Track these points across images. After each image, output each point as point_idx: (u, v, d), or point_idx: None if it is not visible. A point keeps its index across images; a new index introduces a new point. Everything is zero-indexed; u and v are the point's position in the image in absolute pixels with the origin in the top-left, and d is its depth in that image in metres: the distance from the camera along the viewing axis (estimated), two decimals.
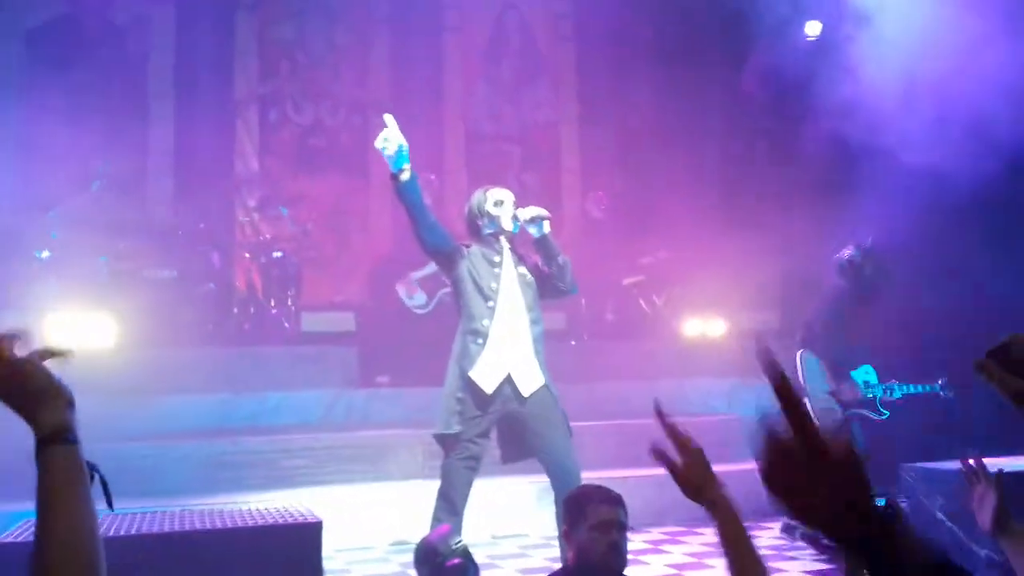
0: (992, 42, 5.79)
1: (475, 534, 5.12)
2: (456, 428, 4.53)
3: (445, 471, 4.57)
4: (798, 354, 6.14)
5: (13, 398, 1.43)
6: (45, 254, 7.68)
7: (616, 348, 8.90)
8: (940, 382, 6.12)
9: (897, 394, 6.10)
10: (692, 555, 5.64)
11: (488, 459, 4.75)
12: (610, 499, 2.95)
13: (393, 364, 7.97)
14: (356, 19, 10.76)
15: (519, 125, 11.39)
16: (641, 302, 9.45)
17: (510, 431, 4.67)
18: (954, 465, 4.78)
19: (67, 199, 8.51)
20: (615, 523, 2.90)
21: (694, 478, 1.83)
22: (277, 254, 8.47)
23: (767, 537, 6.03)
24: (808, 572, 5.26)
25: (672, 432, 1.87)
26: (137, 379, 7.00)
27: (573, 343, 8.77)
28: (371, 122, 10.60)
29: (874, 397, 6.11)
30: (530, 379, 4.59)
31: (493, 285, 4.64)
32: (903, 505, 4.72)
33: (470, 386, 4.54)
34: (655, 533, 6.23)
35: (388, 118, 4.38)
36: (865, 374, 6.15)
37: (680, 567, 5.39)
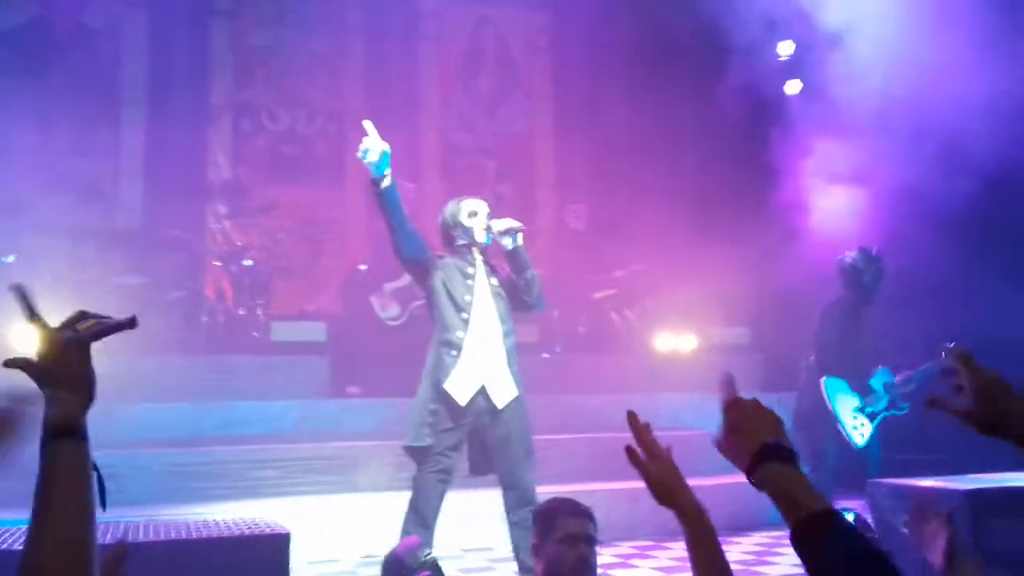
0: (964, 61, 5.86)
1: (444, 547, 5.09)
2: (427, 440, 4.51)
3: (416, 483, 4.55)
4: (822, 382, 6.17)
5: (52, 376, 1.40)
6: (11, 259, 7.58)
7: (588, 361, 8.92)
8: (944, 352, 6.13)
9: (913, 385, 6.13)
10: (662, 569, 5.64)
11: (457, 471, 4.73)
12: (579, 512, 2.94)
13: (364, 375, 7.93)
14: (332, 27, 10.74)
15: (495, 137, 11.41)
16: (613, 316, 9.48)
17: (480, 443, 4.67)
18: (922, 482, 4.82)
19: (36, 204, 8.41)
20: (584, 536, 2.88)
21: (662, 482, 1.83)
22: (248, 262, 8.41)
23: (737, 552, 6.05)
24: None
25: (641, 436, 1.89)
26: (104, 387, 6.78)
27: (545, 356, 8.77)
28: (346, 131, 10.57)
29: (894, 396, 6.15)
30: (504, 391, 4.59)
31: (467, 297, 4.64)
32: (869, 521, 4.74)
33: (444, 398, 4.52)
34: (625, 547, 6.23)
35: (368, 125, 4.37)
36: (883, 377, 6.20)
37: None
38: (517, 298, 4.76)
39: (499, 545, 6.23)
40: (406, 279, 6.98)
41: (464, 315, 4.61)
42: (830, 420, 6.10)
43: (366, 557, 5.80)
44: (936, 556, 2.20)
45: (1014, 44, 5.85)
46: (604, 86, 11.24)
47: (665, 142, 10.47)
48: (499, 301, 4.71)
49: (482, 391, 4.56)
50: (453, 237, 4.79)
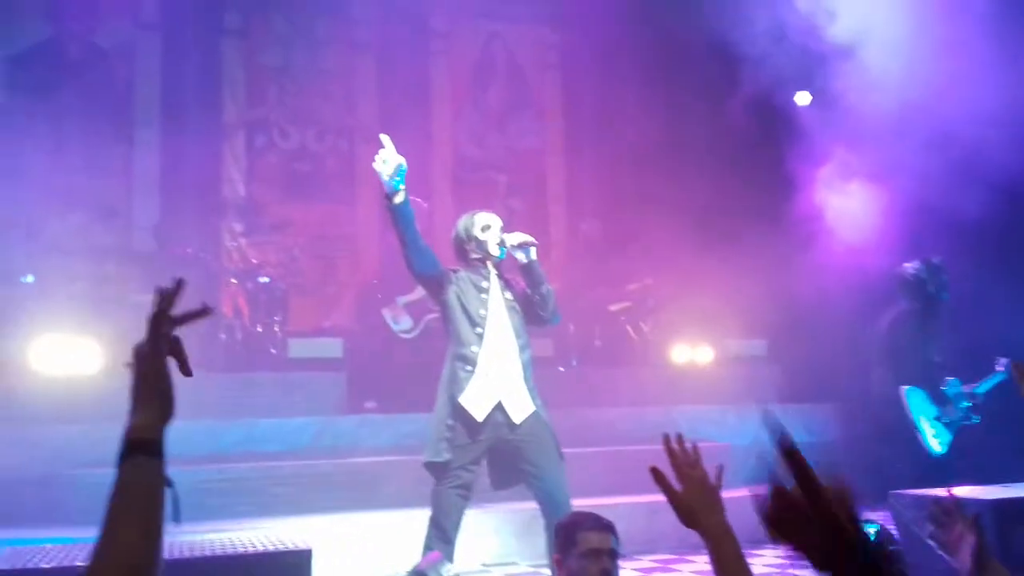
0: (979, 68, 5.84)
1: (465, 562, 5.09)
2: (446, 456, 4.49)
3: (436, 499, 4.54)
4: (902, 391, 6.18)
5: (148, 381, 1.37)
6: (30, 278, 7.63)
7: (604, 374, 8.89)
8: (1003, 365, 6.13)
9: (980, 397, 6.15)
10: None
11: (478, 486, 4.72)
12: (601, 526, 2.94)
13: (381, 390, 7.94)
14: (342, 45, 10.80)
15: (506, 152, 11.43)
16: (628, 328, 9.46)
17: (501, 458, 4.64)
18: (944, 493, 4.78)
19: (52, 224, 8.48)
20: (607, 550, 2.88)
21: (689, 505, 1.83)
22: (264, 279, 8.43)
23: (759, 565, 6.01)
24: None
25: (674, 460, 1.89)
26: (123, 405, 6.85)
27: (561, 369, 8.75)
28: (358, 148, 10.62)
29: (966, 407, 6.16)
30: (521, 405, 4.57)
31: (481, 312, 4.62)
32: (893, 533, 4.71)
33: (460, 413, 4.51)
34: (646, 561, 6.20)
35: (385, 139, 4.39)
36: (955, 387, 6.20)
37: None
38: (532, 312, 4.75)
39: (520, 559, 6.22)
40: (419, 292, 6.99)
41: (479, 329, 4.60)
42: (907, 429, 6.13)
43: (386, 573, 5.79)
44: (964, 559, 2.17)
45: None
46: (614, 100, 11.26)
47: (677, 155, 10.46)
48: (514, 315, 4.70)
49: (499, 406, 4.54)
50: (467, 251, 4.78)
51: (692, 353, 9.23)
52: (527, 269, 4.66)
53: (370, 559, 5.97)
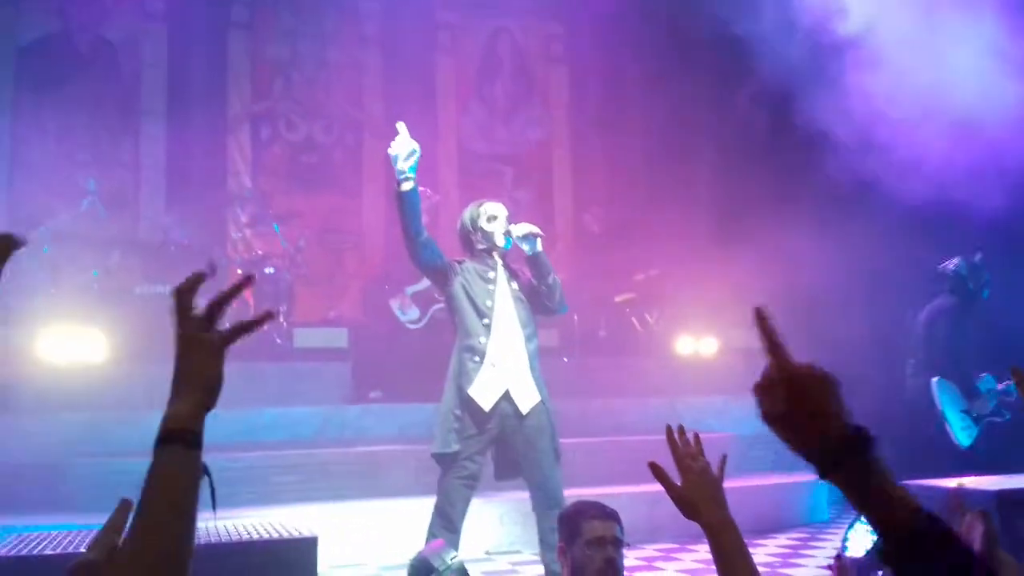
0: (999, 65, 5.82)
1: (468, 550, 5.11)
2: (455, 447, 4.50)
3: (443, 488, 4.55)
4: (933, 382, 6.23)
5: (181, 373, 1.32)
6: (45, 250, 7.65)
7: (608, 365, 8.91)
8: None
9: (1013, 394, 6.19)
10: (686, 571, 5.63)
11: (482, 476, 4.74)
12: (606, 514, 2.95)
13: (386, 380, 7.96)
14: (349, 38, 10.82)
15: (512, 144, 11.44)
16: (633, 319, 9.47)
17: (505, 448, 4.65)
18: (948, 484, 4.80)
19: (58, 215, 8.51)
20: (611, 539, 2.89)
21: (689, 499, 1.84)
22: (269, 270, 8.46)
23: (762, 554, 6.03)
24: None
25: (675, 452, 1.90)
26: (129, 394, 6.98)
27: (566, 360, 8.77)
28: (364, 140, 10.65)
29: (998, 403, 6.21)
30: (528, 395, 4.58)
31: (488, 302, 4.62)
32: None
33: (468, 404, 4.52)
34: (649, 550, 6.22)
35: (400, 126, 4.41)
36: (988, 383, 6.24)
37: None
38: (539, 302, 4.74)
39: (524, 548, 6.24)
40: (427, 282, 7.01)
41: (486, 320, 4.60)
42: (935, 419, 6.17)
43: (389, 560, 5.82)
44: (974, 547, 2.18)
45: None
46: (620, 93, 11.26)
47: (683, 147, 10.47)
48: (520, 305, 4.69)
49: (506, 396, 4.55)
50: (473, 242, 4.77)
51: (696, 344, 9.24)
52: (533, 260, 4.65)
53: (375, 547, 6.00)
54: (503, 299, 4.66)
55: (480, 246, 4.74)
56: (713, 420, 8.23)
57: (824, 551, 6.18)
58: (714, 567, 1.79)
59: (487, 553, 6.21)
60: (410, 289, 7.90)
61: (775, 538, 6.64)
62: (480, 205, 4.82)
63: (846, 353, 7.51)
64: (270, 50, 10.58)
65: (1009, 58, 5.83)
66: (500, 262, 4.74)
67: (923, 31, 6.04)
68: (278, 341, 8.18)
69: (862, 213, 7.20)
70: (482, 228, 4.73)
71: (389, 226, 9.73)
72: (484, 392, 4.52)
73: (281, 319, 8.33)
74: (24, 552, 3.10)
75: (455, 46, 11.29)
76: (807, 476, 7.61)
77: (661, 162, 10.41)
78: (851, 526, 3.69)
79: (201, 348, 1.33)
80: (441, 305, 6.33)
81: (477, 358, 4.56)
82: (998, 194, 6.14)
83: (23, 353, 7.11)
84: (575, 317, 8.84)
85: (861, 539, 3.45)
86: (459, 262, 4.75)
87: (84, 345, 7.25)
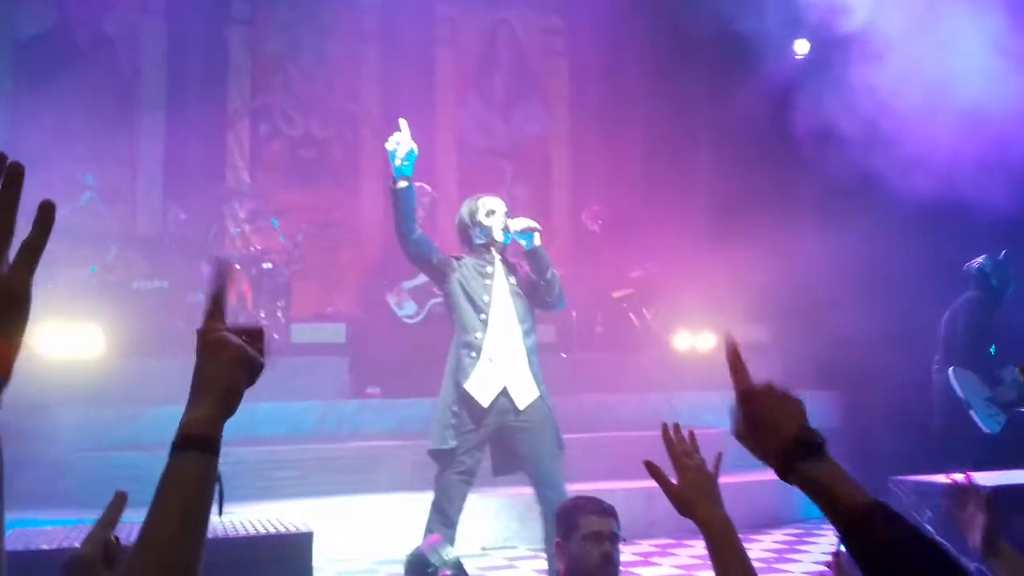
0: (1004, 59, 5.81)
1: (465, 546, 5.12)
2: (452, 443, 4.50)
3: (440, 484, 4.55)
4: (950, 372, 6.27)
5: (208, 378, 1.29)
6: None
7: (606, 361, 8.91)
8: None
9: None
10: (681, 567, 5.65)
11: (480, 471, 4.74)
12: (603, 510, 2.95)
13: (383, 375, 7.96)
14: (348, 33, 10.79)
15: (510, 140, 11.43)
16: (631, 315, 9.47)
17: (503, 444, 4.65)
18: (944, 479, 4.80)
19: (57, 210, 8.48)
20: (608, 534, 2.90)
21: (685, 496, 1.85)
22: (267, 265, 8.45)
23: (757, 549, 6.04)
24: None
25: (671, 449, 1.91)
26: (126, 389, 6.98)
27: (563, 355, 8.77)
28: (362, 135, 10.64)
29: (1020, 392, 6.23)
30: (525, 391, 4.57)
31: (485, 298, 4.62)
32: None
33: (466, 399, 4.52)
34: (645, 545, 6.24)
35: (403, 123, 4.42)
36: (1011, 374, 6.26)
37: None
38: (537, 297, 4.73)
39: (520, 543, 6.26)
40: (423, 278, 7.01)
41: (483, 316, 4.60)
42: (959, 411, 6.20)
43: (385, 555, 5.83)
44: (974, 538, 2.19)
45: None
46: (620, 87, 11.24)
47: (682, 142, 10.46)
48: (518, 300, 4.69)
49: (504, 392, 4.54)
50: (471, 236, 4.76)
51: (694, 339, 9.24)
52: (531, 255, 4.64)
53: (371, 542, 6.01)
54: (500, 294, 4.66)
55: (478, 241, 4.74)
56: (710, 416, 8.22)
57: (820, 547, 6.19)
58: (710, 563, 1.79)
59: (483, 548, 6.22)
60: (407, 284, 7.90)
61: (771, 534, 6.66)
62: (478, 200, 4.81)
63: (848, 347, 7.54)
64: (269, 45, 10.56)
65: (1015, 52, 5.82)
66: (498, 257, 4.73)
67: (926, 24, 6.04)
68: (276, 336, 8.18)
69: (863, 208, 7.20)
70: (480, 223, 4.73)
71: (387, 221, 9.69)
72: (481, 388, 4.52)
73: (279, 314, 8.33)
74: (22, 548, 3.11)
75: (454, 40, 11.27)
76: None
77: (660, 158, 10.40)
78: None
79: (227, 355, 1.31)
80: (439, 300, 6.33)
81: (474, 354, 4.55)
82: (1003, 189, 6.15)
83: (20, 347, 7.10)
84: (572, 313, 8.84)
85: None
86: (457, 258, 4.75)
87: (82, 340, 7.24)
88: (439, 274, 4.70)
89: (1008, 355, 6.39)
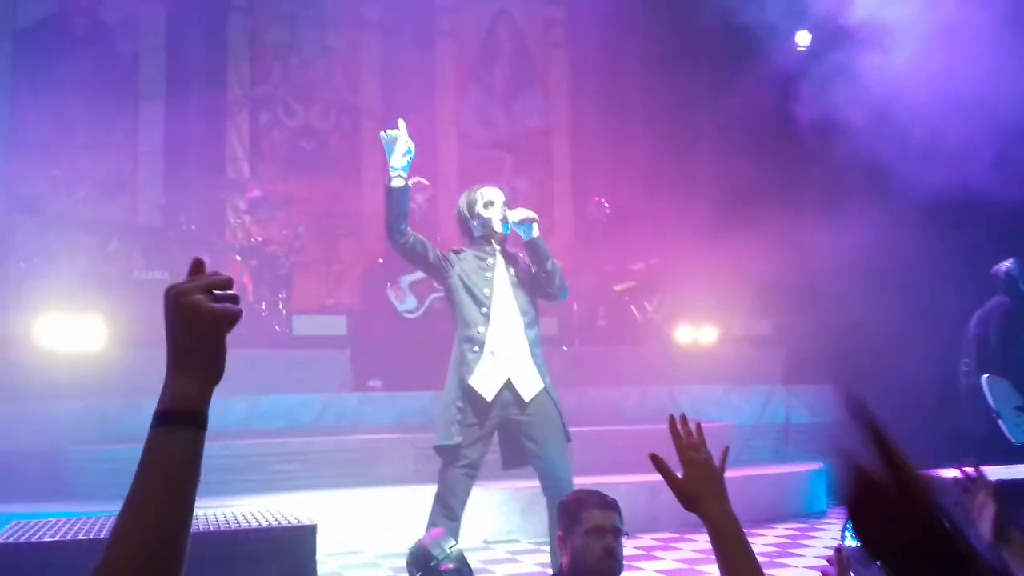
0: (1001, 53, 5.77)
1: (467, 539, 5.10)
2: (457, 439, 4.47)
3: (444, 478, 4.53)
4: (983, 379, 6.27)
5: (187, 348, 1.20)
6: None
7: (608, 354, 8.90)
8: None
9: None
10: (685, 561, 5.63)
11: (486, 464, 4.72)
12: (606, 504, 2.94)
13: (385, 368, 7.95)
14: (348, 23, 10.76)
15: (511, 131, 11.40)
16: (632, 308, 9.46)
17: (510, 436, 4.62)
18: (950, 473, 4.79)
19: (56, 200, 8.48)
20: (611, 528, 2.88)
21: (691, 491, 1.83)
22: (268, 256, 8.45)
23: (761, 543, 6.04)
24: None
25: (678, 442, 1.89)
26: (127, 381, 6.96)
27: (565, 348, 8.76)
28: (363, 126, 10.61)
29: None
30: (530, 383, 4.55)
31: (486, 290, 4.59)
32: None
33: (470, 394, 4.49)
34: (647, 539, 6.23)
35: (401, 123, 4.40)
36: None
37: (672, 573, 5.38)
38: (538, 288, 4.69)
39: (522, 537, 6.25)
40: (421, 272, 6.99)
41: (484, 309, 4.57)
42: (987, 417, 6.20)
43: (388, 548, 5.83)
44: (984, 528, 2.18)
45: None
46: (621, 79, 11.21)
47: (684, 134, 10.43)
48: (519, 292, 4.65)
49: (508, 385, 4.52)
50: (471, 228, 4.73)
51: (696, 333, 9.23)
52: (531, 246, 4.60)
53: (373, 535, 6.01)
54: (501, 286, 4.62)
55: (478, 232, 4.70)
56: (712, 409, 8.24)
57: (822, 541, 6.18)
58: (713, 557, 1.78)
59: (485, 542, 6.21)
60: (405, 279, 7.88)
61: (774, 528, 6.65)
62: (476, 190, 4.76)
63: (852, 340, 7.52)
64: (269, 34, 10.53)
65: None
66: (498, 248, 4.69)
67: (934, 10, 5.99)
68: (277, 329, 8.17)
69: (868, 200, 7.17)
70: (479, 214, 4.68)
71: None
72: (485, 382, 4.49)
73: (280, 306, 8.31)
74: (25, 539, 3.09)
75: (455, 31, 11.24)
76: (806, 466, 7.62)
77: (662, 149, 10.36)
78: None
79: (206, 320, 1.21)
80: (439, 295, 6.32)
81: (476, 348, 4.53)
82: (1016, 180, 6.13)
83: (22, 339, 7.09)
84: (574, 306, 8.83)
85: None
86: (456, 251, 4.71)
87: (83, 331, 7.23)
88: (438, 271, 4.66)
89: None
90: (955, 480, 2.32)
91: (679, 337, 9.27)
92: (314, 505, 5.42)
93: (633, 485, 6.23)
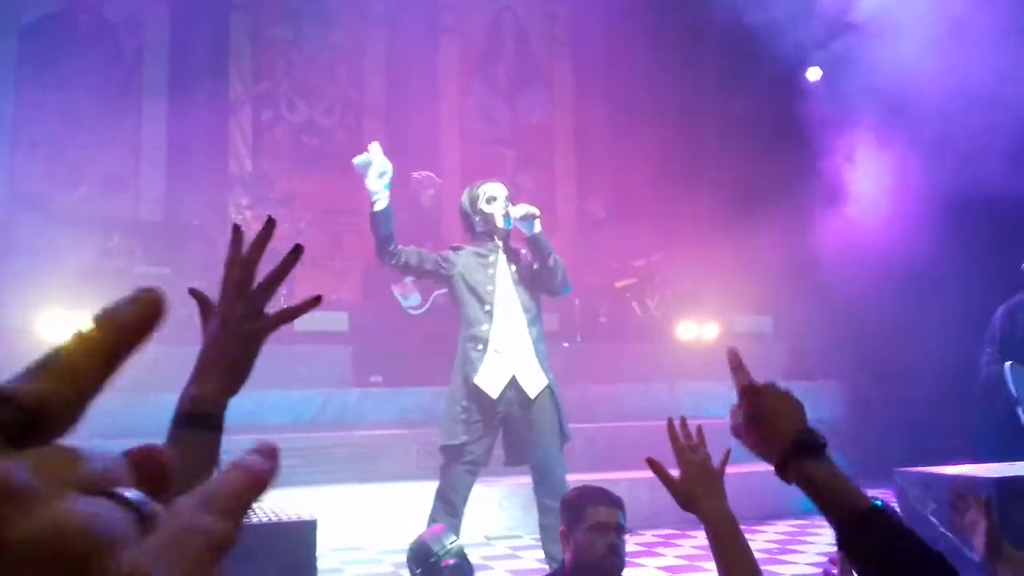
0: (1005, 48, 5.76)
1: (469, 535, 5.11)
2: (462, 438, 4.47)
3: (446, 474, 4.53)
4: (1007, 366, 6.27)
5: (216, 355, 1.24)
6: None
7: (609, 350, 8.90)
8: None
9: None
10: (685, 557, 5.64)
11: (490, 461, 4.72)
12: (610, 500, 2.94)
13: (386, 364, 7.96)
14: (352, 19, 10.76)
15: (514, 127, 11.40)
16: (634, 305, 9.46)
17: (513, 433, 4.62)
18: (949, 471, 4.78)
19: (60, 195, 8.49)
20: (614, 525, 2.88)
21: (687, 491, 1.84)
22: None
23: (761, 541, 6.04)
24: None
25: (676, 444, 1.90)
26: (128, 376, 6.92)
27: (566, 345, 8.76)
28: (366, 122, 10.61)
29: None
30: (534, 380, 4.54)
31: (489, 287, 4.59)
32: (895, 508, 4.72)
33: (475, 393, 4.49)
34: (648, 536, 6.23)
35: (374, 145, 4.40)
36: None
37: (673, 570, 5.38)
38: (540, 284, 4.68)
39: (524, 533, 6.25)
40: None
41: (487, 307, 4.56)
42: (1008, 408, 6.20)
43: (389, 544, 5.83)
44: (978, 543, 2.18)
45: None
46: (624, 75, 11.20)
47: (688, 131, 10.42)
48: (521, 289, 4.65)
49: (512, 382, 4.52)
50: (473, 223, 4.72)
51: (698, 329, 9.23)
52: (533, 241, 4.59)
53: (374, 531, 6.01)
54: (504, 283, 4.62)
55: (480, 228, 4.70)
56: (714, 406, 8.22)
57: (823, 538, 6.18)
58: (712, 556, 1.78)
59: (487, 537, 6.22)
60: (410, 276, 7.88)
61: (774, 524, 6.65)
62: (479, 186, 4.76)
63: (854, 338, 7.52)
64: (272, 30, 10.54)
65: None
66: (500, 244, 4.69)
67: (944, 7, 5.98)
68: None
69: (873, 198, 7.17)
70: (481, 210, 4.68)
71: (392, 208, 9.70)
72: (490, 380, 4.49)
73: (282, 302, 8.30)
74: None
75: (458, 27, 11.24)
76: None
77: (665, 145, 10.36)
78: None
79: (241, 335, 1.26)
80: (443, 291, 6.31)
81: (480, 346, 4.52)
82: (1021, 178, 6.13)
83: (23, 335, 7.10)
84: (576, 302, 8.83)
85: None
86: (455, 248, 4.71)
87: (85, 327, 7.23)
88: (438, 276, 4.68)
89: None
90: (947, 491, 2.32)
91: (681, 333, 9.27)
92: (315, 501, 5.43)
93: (634, 481, 6.22)
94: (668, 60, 10.38)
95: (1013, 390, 6.21)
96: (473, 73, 11.30)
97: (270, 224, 1.31)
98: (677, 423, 1.96)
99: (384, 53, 10.80)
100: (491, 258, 4.64)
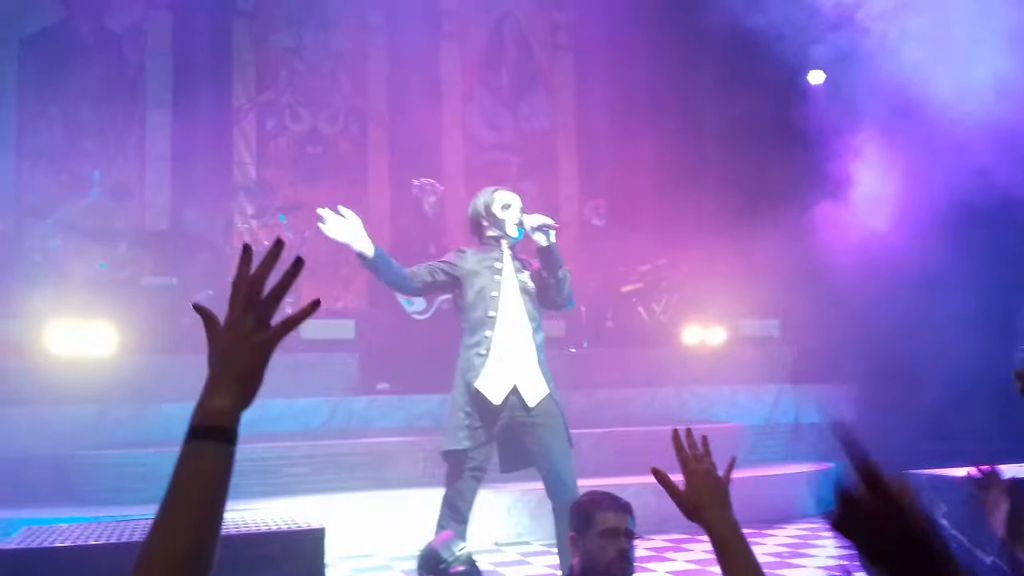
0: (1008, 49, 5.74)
1: (477, 541, 5.11)
2: (465, 444, 4.46)
3: (451, 481, 4.52)
4: None
5: (224, 365, 1.26)
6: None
7: (615, 356, 8.89)
8: None
9: None
10: (695, 562, 5.62)
11: (490, 467, 4.72)
12: (620, 506, 2.93)
13: (393, 371, 7.95)
14: (354, 27, 10.78)
15: (517, 133, 11.41)
16: (640, 310, 9.45)
17: (510, 440, 4.60)
18: (959, 472, 4.76)
19: (64, 206, 8.51)
20: (624, 531, 2.88)
21: (692, 500, 1.83)
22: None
23: (771, 544, 6.01)
24: None
25: (681, 457, 1.89)
26: (136, 386, 6.98)
27: (572, 351, 8.76)
28: (369, 130, 10.63)
29: None
30: (535, 388, 4.53)
31: (494, 294, 4.57)
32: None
33: (477, 398, 4.48)
34: (658, 540, 6.21)
35: (325, 212, 4.44)
36: None
37: (683, 574, 5.37)
38: (547, 296, 4.65)
39: (532, 539, 6.24)
40: None
41: (492, 313, 4.54)
42: None
43: (398, 551, 5.82)
44: (998, 524, 2.17)
45: None
46: (626, 80, 11.21)
47: (690, 134, 10.42)
48: (527, 297, 4.62)
49: (514, 390, 4.50)
50: (483, 228, 4.68)
51: (704, 334, 9.21)
52: (546, 252, 4.53)
53: (384, 538, 6.00)
54: (509, 291, 4.60)
55: (490, 233, 4.67)
56: (721, 410, 8.22)
57: (833, 542, 6.16)
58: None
59: (496, 544, 6.21)
60: (435, 293, 7.90)
61: (784, 528, 6.62)
62: (494, 192, 4.71)
63: (860, 341, 7.50)
64: (275, 39, 10.56)
65: None
66: (508, 252, 4.67)
67: (949, 9, 5.95)
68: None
69: (879, 201, 7.14)
70: (495, 216, 4.63)
71: (394, 216, 9.71)
72: (492, 386, 4.47)
73: (288, 310, 8.31)
74: (35, 545, 3.10)
75: (460, 34, 11.25)
76: (816, 466, 7.59)
77: (668, 150, 10.36)
78: None
79: (252, 347, 1.28)
80: (448, 296, 6.31)
81: (484, 352, 4.50)
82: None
83: (31, 345, 7.11)
84: (582, 308, 8.83)
85: None
86: (460, 252, 4.69)
87: (91, 337, 7.25)
88: (450, 279, 4.66)
89: None
90: (969, 477, 2.31)
91: (687, 338, 9.26)
92: (324, 509, 5.42)
93: (643, 486, 6.19)
94: (670, 65, 10.37)
95: None
96: (475, 80, 11.32)
97: (278, 244, 1.33)
98: (682, 433, 1.96)
99: (386, 60, 10.82)
100: (497, 265, 4.61)
